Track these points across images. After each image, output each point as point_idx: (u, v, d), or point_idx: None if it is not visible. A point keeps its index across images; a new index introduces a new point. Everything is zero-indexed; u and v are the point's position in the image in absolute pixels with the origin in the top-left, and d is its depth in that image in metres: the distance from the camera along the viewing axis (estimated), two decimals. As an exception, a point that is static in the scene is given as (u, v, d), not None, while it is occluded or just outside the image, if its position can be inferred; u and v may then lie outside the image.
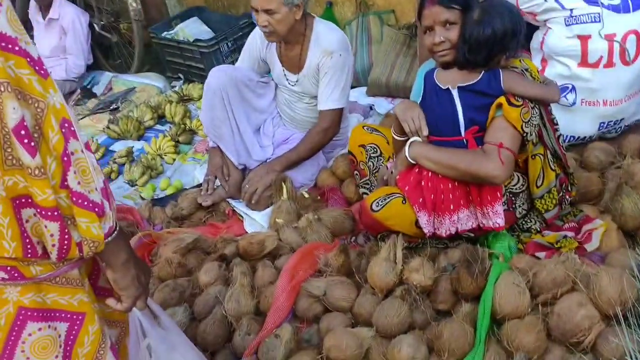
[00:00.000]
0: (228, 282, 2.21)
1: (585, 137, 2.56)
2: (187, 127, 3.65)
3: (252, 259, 2.35)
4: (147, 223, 2.80)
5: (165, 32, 4.47)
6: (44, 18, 4.45)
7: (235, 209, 2.84)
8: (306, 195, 2.74)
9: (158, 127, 3.84)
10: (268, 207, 2.75)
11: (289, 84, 2.87)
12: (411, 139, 2.04)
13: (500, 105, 1.88)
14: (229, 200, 2.88)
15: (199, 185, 3.09)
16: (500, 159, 1.84)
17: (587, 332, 1.65)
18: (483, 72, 1.95)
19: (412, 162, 2.03)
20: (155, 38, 4.45)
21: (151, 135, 3.71)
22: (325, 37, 2.67)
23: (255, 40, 2.88)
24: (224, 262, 2.33)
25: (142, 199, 3.10)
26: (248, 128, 2.97)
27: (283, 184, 2.69)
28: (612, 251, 1.99)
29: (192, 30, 4.54)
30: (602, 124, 2.52)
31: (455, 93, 1.97)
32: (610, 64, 2.35)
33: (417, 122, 2.02)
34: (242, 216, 2.80)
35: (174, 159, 3.43)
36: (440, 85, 2.00)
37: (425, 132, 2.01)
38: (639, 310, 1.65)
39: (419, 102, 2.10)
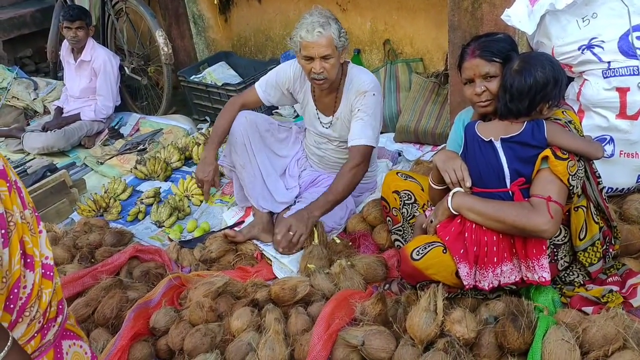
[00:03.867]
0: (260, 328, 2.17)
1: (623, 188, 2.53)
2: (215, 169, 3.66)
3: (284, 305, 2.31)
4: (175, 265, 2.77)
5: (193, 76, 4.56)
6: (75, 60, 4.56)
7: (264, 252, 2.81)
8: (337, 241, 2.71)
9: (185, 168, 3.86)
10: (298, 251, 2.72)
11: (322, 125, 2.88)
12: (454, 190, 2.02)
13: (546, 158, 1.86)
14: (257, 243, 2.85)
15: (226, 228, 3.08)
16: (549, 213, 1.81)
17: (643, 393, 1.58)
18: (526, 123, 1.94)
19: (455, 213, 2.00)
20: (184, 81, 4.54)
21: (178, 176, 3.72)
22: (358, 78, 2.71)
23: (288, 72, 2.87)
24: (256, 307, 2.29)
25: (170, 240, 3.08)
26: (272, 172, 2.98)
27: (314, 228, 2.67)
28: (659, 307, 1.93)
29: (219, 74, 4.64)
30: (640, 176, 2.49)
31: (498, 145, 1.95)
32: (649, 116, 2.34)
33: (459, 173, 2.00)
34: (270, 260, 2.77)
35: (202, 201, 3.42)
36: (483, 138, 1.98)
37: (469, 183, 1.99)
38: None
39: (459, 153, 2.09)
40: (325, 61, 2.55)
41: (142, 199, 3.45)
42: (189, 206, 3.37)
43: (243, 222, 3.11)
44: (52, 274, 1.17)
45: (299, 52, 2.60)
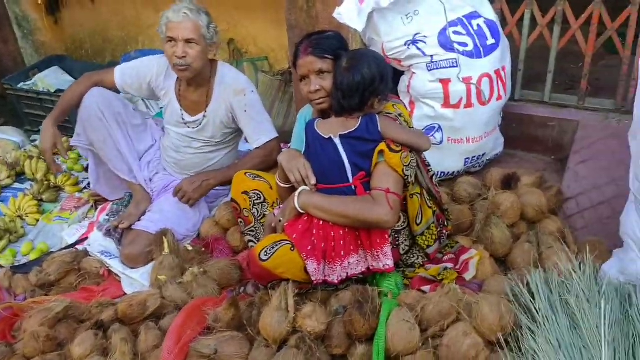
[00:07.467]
0: (107, 352, 2.02)
1: (453, 172, 2.75)
2: (52, 184, 3.36)
3: (134, 323, 2.17)
4: (7, 294, 2.51)
5: (22, 83, 4.15)
6: None
7: (111, 269, 2.63)
8: (190, 248, 2.62)
9: (17, 185, 3.50)
10: (148, 264, 2.58)
11: (187, 125, 2.79)
12: (300, 189, 2.04)
13: (382, 152, 1.95)
14: (103, 259, 2.66)
15: (67, 247, 2.84)
16: (389, 204, 1.90)
17: (475, 360, 1.71)
18: (361, 118, 2.01)
19: (302, 211, 2.02)
20: (11, 89, 4.10)
21: (9, 195, 3.36)
22: (230, 77, 2.72)
23: (152, 66, 2.80)
24: (101, 329, 2.12)
25: (1, 267, 2.77)
26: (131, 150, 2.87)
27: (164, 237, 2.55)
28: (487, 278, 2.12)
29: (52, 80, 4.28)
30: (467, 160, 2.72)
31: (337, 142, 2.00)
32: (469, 104, 2.56)
33: (303, 172, 2.03)
34: (119, 276, 2.60)
35: (37, 220, 3.13)
36: (323, 135, 2.03)
37: (313, 180, 2.02)
38: (518, 333, 1.75)
39: (302, 150, 2.11)
40: (188, 46, 2.51)
41: (-35, 223, 3.06)
42: (22, 227, 3.06)
43: (86, 238, 2.88)
44: None
45: (164, 36, 2.55)
